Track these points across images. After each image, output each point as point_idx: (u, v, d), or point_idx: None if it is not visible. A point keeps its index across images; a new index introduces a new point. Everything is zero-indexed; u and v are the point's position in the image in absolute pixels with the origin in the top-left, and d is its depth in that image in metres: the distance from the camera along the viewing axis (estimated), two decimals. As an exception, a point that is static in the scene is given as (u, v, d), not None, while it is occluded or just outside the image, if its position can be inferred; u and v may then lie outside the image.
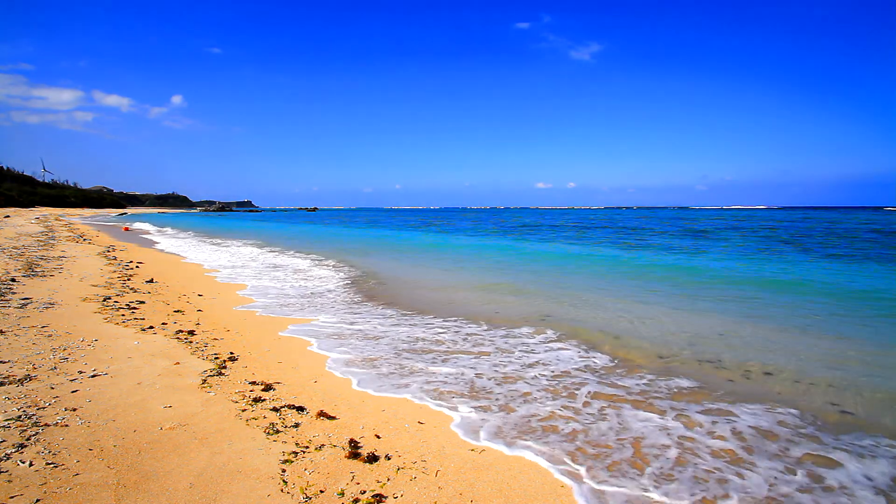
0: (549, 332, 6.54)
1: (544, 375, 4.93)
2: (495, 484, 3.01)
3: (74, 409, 3.71)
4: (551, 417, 3.96)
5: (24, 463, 2.93)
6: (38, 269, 10.51)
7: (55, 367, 4.56)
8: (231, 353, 5.42)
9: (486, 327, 6.83)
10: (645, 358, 5.56)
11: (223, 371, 4.79)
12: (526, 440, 3.58)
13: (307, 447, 3.35)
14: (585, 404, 4.23)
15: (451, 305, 8.45)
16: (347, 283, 10.83)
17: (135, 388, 4.23)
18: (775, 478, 3.14)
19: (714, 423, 3.89)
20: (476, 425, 3.81)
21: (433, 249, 20.73)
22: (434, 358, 5.46)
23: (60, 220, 42.11)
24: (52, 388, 4.07)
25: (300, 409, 3.98)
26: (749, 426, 3.84)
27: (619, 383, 4.74)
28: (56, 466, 2.93)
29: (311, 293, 9.57)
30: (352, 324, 7.03)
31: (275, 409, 3.93)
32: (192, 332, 6.15)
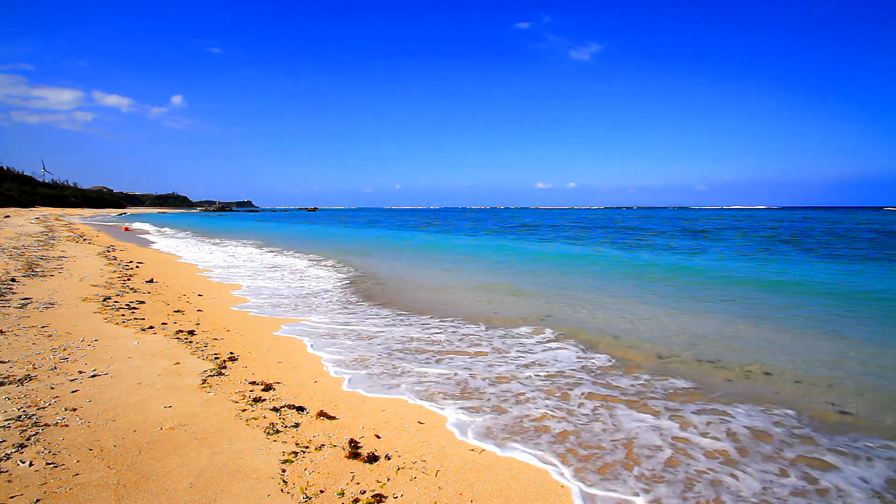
0: (548, 332, 6.55)
1: (539, 376, 4.91)
2: (495, 484, 3.02)
3: (74, 409, 3.72)
4: (544, 418, 3.95)
5: (24, 463, 2.94)
6: (38, 269, 10.52)
7: (55, 367, 4.58)
8: (231, 353, 5.43)
9: (483, 327, 6.84)
10: (643, 358, 5.57)
11: (223, 371, 4.80)
12: (515, 441, 3.56)
13: (307, 447, 3.36)
14: (580, 405, 4.22)
15: (450, 305, 8.45)
16: (345, 284, 10.83)
17: (135, 388, 4.25)
18: (770, 480, 3.12)
19: (709, 423, 3.88)
20: (464, 426, 3.80)
21: (433, 249, 20.73)
22: (428, 358, 5.44)
23: (60, 220, 42.11)
24: (52, 388, 4.08)
25: (300, 409, 3.99)
26: (744, 426, 3.83)
27: (615, 384, 4.73)
28: (56, 466, 2.94)
29: (307, 293, 9.56)
30: (345, 324, 7.02)
31: (275, 409, 3.95)
32: (192, 332, 6.16)
